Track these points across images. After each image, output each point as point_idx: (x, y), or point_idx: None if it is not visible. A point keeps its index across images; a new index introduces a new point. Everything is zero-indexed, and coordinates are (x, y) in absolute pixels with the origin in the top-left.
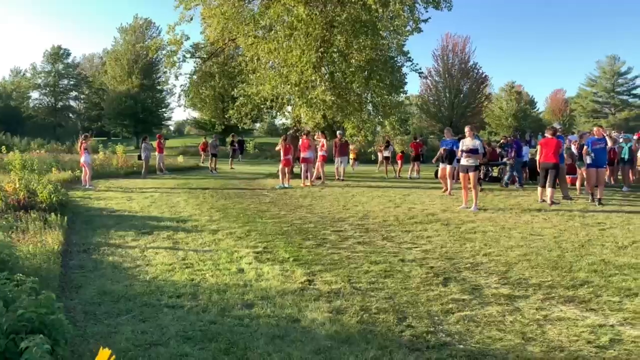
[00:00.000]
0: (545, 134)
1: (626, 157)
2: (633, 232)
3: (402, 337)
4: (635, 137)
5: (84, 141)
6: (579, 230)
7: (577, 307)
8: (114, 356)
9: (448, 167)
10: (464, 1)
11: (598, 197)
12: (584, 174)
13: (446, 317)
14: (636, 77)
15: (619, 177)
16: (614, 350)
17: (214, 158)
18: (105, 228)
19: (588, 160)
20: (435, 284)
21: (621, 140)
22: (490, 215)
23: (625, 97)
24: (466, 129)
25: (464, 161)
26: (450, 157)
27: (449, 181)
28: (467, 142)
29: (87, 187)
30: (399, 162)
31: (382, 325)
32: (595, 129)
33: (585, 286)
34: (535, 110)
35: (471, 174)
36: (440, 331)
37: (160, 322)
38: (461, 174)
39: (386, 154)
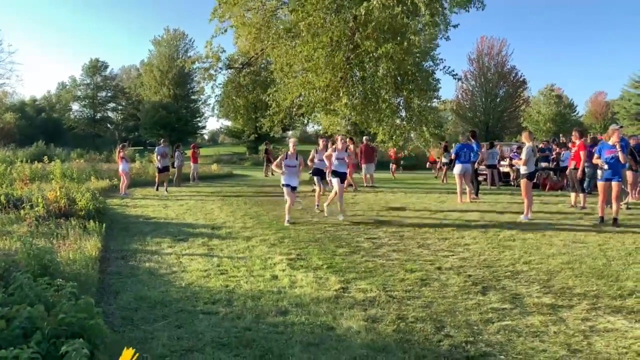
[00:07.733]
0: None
1: None
2: None
3: (441, 346)
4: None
5: (121, 150)
6: (625, 238)
7: (626, 317)
8: (137, 354)
9: (456, 170)
10: (502, 3)
11: (614, 216)
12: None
13: (486, 326)
14: None
15: None
16: None
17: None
18: (142, 235)
19: (599, 173)
20: (473, 292)
21: None
22: (530, 222)
23: None
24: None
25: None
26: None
27: (458, 187)
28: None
29: (124, 195)
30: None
31: (419, 335)
32: (610, 130)
33: (634, 296)
34: (575, 114)
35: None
36: (480, 341)
37: (196, 328)
38: None
39: (445, 160)
